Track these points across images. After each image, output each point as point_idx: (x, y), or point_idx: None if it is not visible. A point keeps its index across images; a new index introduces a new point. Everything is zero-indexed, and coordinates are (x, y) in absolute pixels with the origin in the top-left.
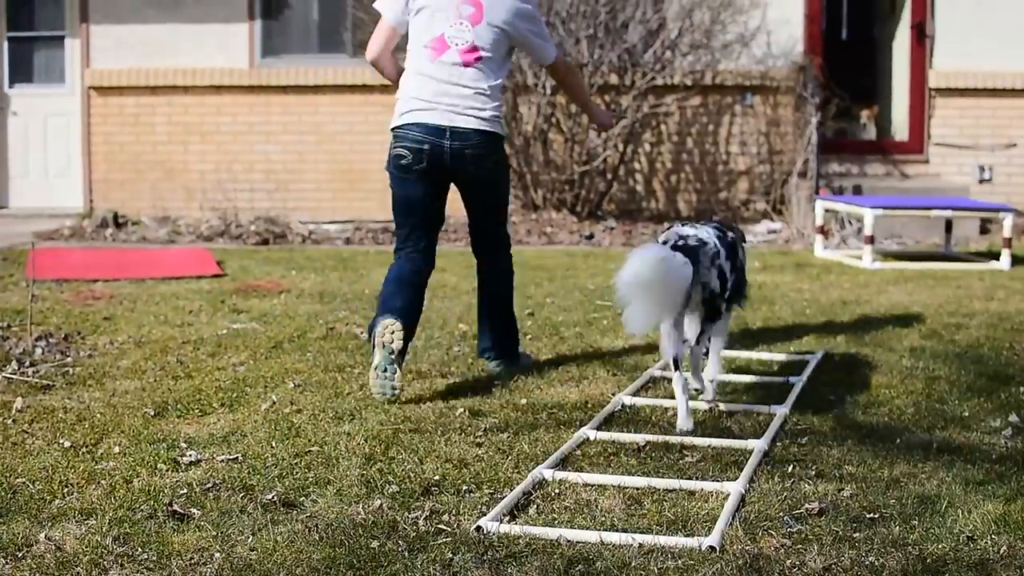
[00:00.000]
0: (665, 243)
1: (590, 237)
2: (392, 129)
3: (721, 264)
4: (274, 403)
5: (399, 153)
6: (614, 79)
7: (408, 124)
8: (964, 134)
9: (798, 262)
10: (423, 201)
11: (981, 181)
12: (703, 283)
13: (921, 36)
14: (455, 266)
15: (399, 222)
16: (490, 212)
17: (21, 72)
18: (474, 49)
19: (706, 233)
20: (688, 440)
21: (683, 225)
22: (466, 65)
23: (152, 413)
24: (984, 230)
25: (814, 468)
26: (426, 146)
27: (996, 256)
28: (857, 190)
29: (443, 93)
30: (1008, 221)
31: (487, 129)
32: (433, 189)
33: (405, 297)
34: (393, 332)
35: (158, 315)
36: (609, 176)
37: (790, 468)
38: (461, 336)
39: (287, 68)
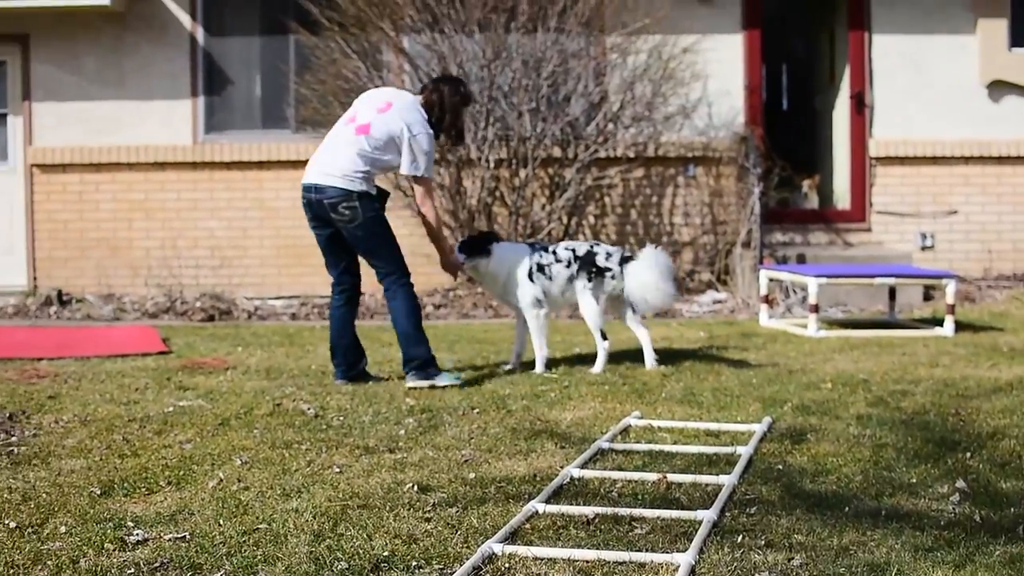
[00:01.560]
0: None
1: None
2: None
3: None
4: (221, 480)
5: None
6: (557, 152)
7: None
8: (905, 202)
9: (743, 332)
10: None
11: (923, 248)
12: None
13: (860, 106)
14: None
15: None
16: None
17: None
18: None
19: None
20: (637, 512)
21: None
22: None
23: (98, 492)
24: (928, 296)
25: (763, 538)
26: None
27: (940, 323)
28: (801, 259)
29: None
30: (951, 287)
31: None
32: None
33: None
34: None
35: (103, 393)
36: None
37: (739, 538)
38: (408, 411)
39: (230, 144)
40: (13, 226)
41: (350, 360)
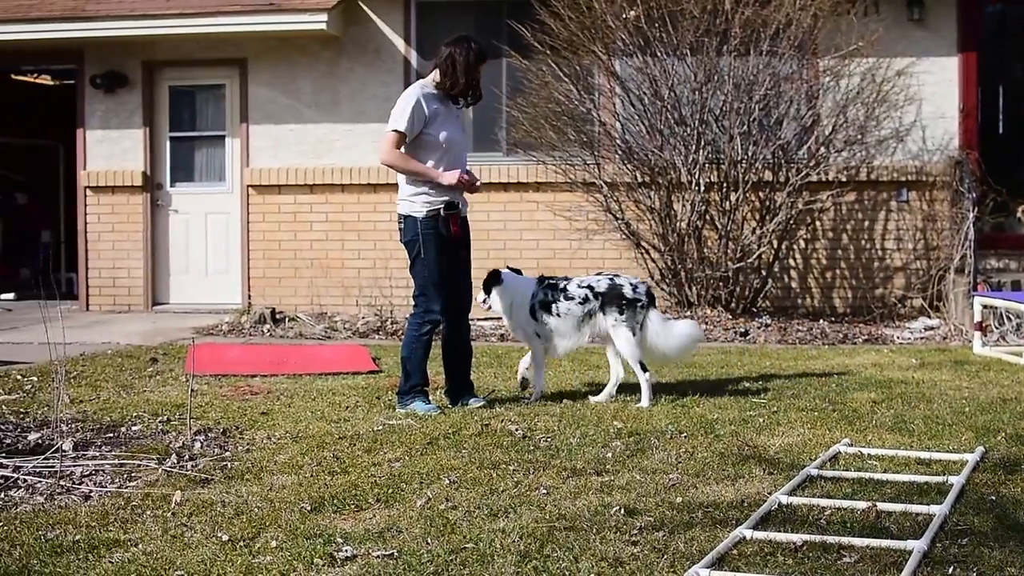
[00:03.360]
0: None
1: (745, 334)
2: None
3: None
4: (429, 499)
5: None
6: (768, 175)
7: None
8: None
9: (956, 359)
10: None
11: None
12: None
13: None
14: (605, 362)
15: None
16: None
17: (182, 171)
18: None
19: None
20: (846, 540)
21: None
22: None
23: (309, 508)
24: None
25: (975, 570)
26: None
27: None
28: (1016, 286)
29: None
30: None
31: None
32: None
33: None
34: None
35: (315, 411)
36: (764, 272)
37: (950, 569)
38: (616, 434)
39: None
40: (229, 246)
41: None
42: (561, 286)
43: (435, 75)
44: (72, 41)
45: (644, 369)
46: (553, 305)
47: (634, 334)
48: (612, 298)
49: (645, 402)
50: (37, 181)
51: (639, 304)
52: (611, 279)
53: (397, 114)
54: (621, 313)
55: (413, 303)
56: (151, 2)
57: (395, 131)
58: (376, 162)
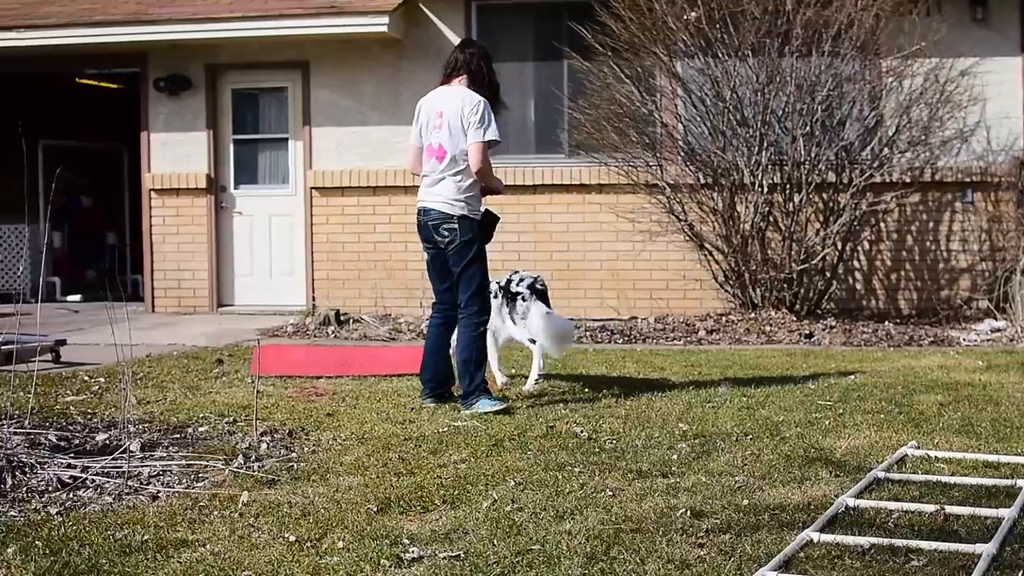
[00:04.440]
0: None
1: (810, 336)
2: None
3: None
4: (495, 501)
5: None
6: (831, 177)
7: None
8: None
9: (1023, 361)
10: None
11: None
12: None
13: None
14: (673, 364)
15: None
16: None
17: (246, 173)
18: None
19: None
20: (914, 543)
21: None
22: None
23: (375, 509)
24: None
25: None
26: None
27: None
28: None
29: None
30: None
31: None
32: None
33: None
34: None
35: (380, 412)
36: (828, 274)
37: (1020, 574)
38: (681, 435)
39: (504, 168)
40: (293, 248)
41: (439, 379)
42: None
43: (463, 83)
44: (135, 45)
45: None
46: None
47: (514, 322)
48: (508, 292)
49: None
50: (102, 184)
51: (520, 296)
52: (509, 275)
53: (487, 123)
54: (507, 304)
55: (465, 304)
56: (214, 6)
57: (494, 141)
58: None
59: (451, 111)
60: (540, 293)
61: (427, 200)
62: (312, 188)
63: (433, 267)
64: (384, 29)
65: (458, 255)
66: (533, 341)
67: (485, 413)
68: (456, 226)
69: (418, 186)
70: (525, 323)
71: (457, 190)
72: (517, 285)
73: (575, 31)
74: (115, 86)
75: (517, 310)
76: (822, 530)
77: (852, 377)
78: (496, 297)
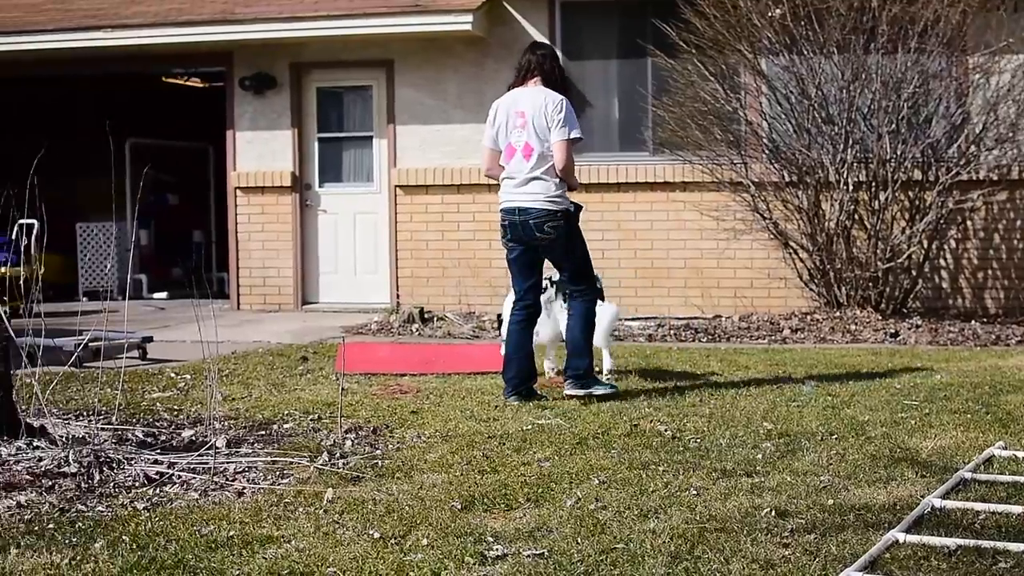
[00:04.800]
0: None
1: (895, 335)
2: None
3: None
4: (579, 499)
5: None
6: (917, 174)
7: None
8: None
9: None
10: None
11: None
12: None
13: None
14: (757, 363)
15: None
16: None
17: (330, 171)
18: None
19: None
20: (1001, 545)
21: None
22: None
23: (459, 506)
24: None
25: None
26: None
27: None
28: None
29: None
30: None
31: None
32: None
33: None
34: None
35: (464, 409)
36: (914, 273)
37: None
38: (766, 434)
39: (588, 166)
40: (377, 246)
41: (523, 376)
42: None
43: (538, 84)
44: (221, 44)
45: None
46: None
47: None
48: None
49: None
50: (188, 182)
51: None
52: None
53: (571, 121)
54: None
55: (577, 286)
56: (299, 5)
57: (577, 138)
58: None
59: (534, 110)
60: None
61: (521, 200)
62: (396, 186)
63: (518, 264)
64: (468, 27)
65: (565, 247)
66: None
67: (599, 395)
68: (560, 222)
69: (497, 185)
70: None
71: (552, 187)
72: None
73: (659, 28)
74: (201, 85)
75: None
76: (908, 531)
77: (938, 376)
78: (544, 291)
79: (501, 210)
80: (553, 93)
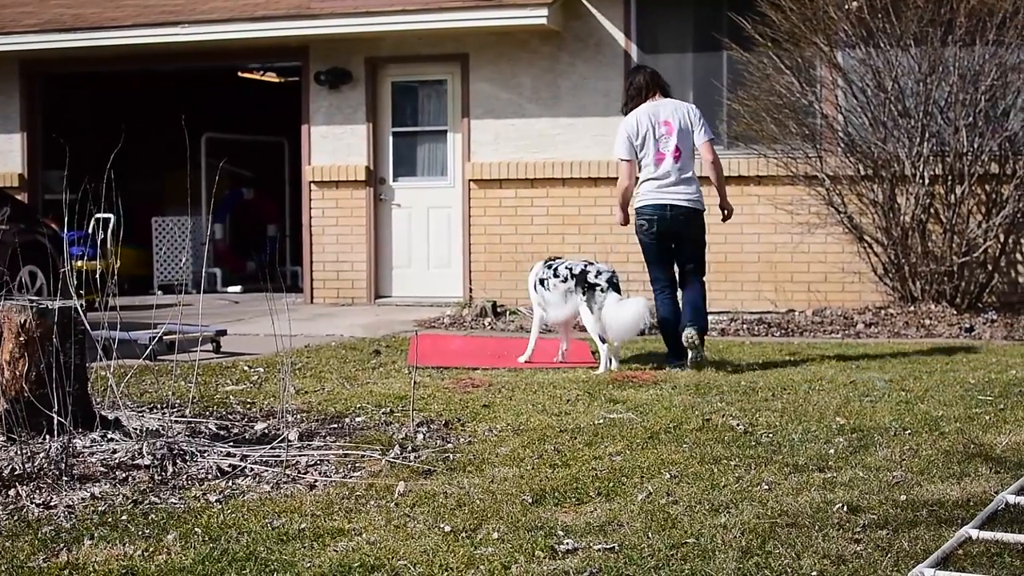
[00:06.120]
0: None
1: (970, 330)
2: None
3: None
4: (650, 493)
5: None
6: (994, 168)
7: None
8: None
9: None
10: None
11: None
12: None
13: None
14: (831, 358)
15: None
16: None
17: (404, 166)
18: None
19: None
20: None
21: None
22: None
23: (530, 500)
24: None
25: None
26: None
27: None
28: None
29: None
30: None
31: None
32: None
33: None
34: (691, 336)
35: (535, 404)
36: (990, 267)
37: None
38: (839, 429)
39: None
40: (451, 240)
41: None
42: (554, 267)
43: (659, 97)
44: (297, 39)
45: (603, 341)
46: (547, 281)
47: (591, 312)
48: (581, 280)
49: (601, 368)
50: (263, 176)
51: (598, 288)
52: (584, 265)
53: (708, 124)
54: (584, 294)
55: (698, 273)
56: (374, 0)
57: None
58: (598, 156)
59: (677, 118)
60: (616, 287)
61: (677, 198)
62: (470, 180)
63: (660, 255)
64: (543, 21)
65: (701, 240)
66: (603, 340)
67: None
68: (703, 219)
69: (575, 178)
70: (600, 315)
71: (697, 188)
72: (596, 277)
73: (734, 21)
74: (277, 79)
75: (596, 300)
76: (981, 527)
77: (1013, 372)
78: (565, 281)
79: (649, 206)
80: (685, 103)
